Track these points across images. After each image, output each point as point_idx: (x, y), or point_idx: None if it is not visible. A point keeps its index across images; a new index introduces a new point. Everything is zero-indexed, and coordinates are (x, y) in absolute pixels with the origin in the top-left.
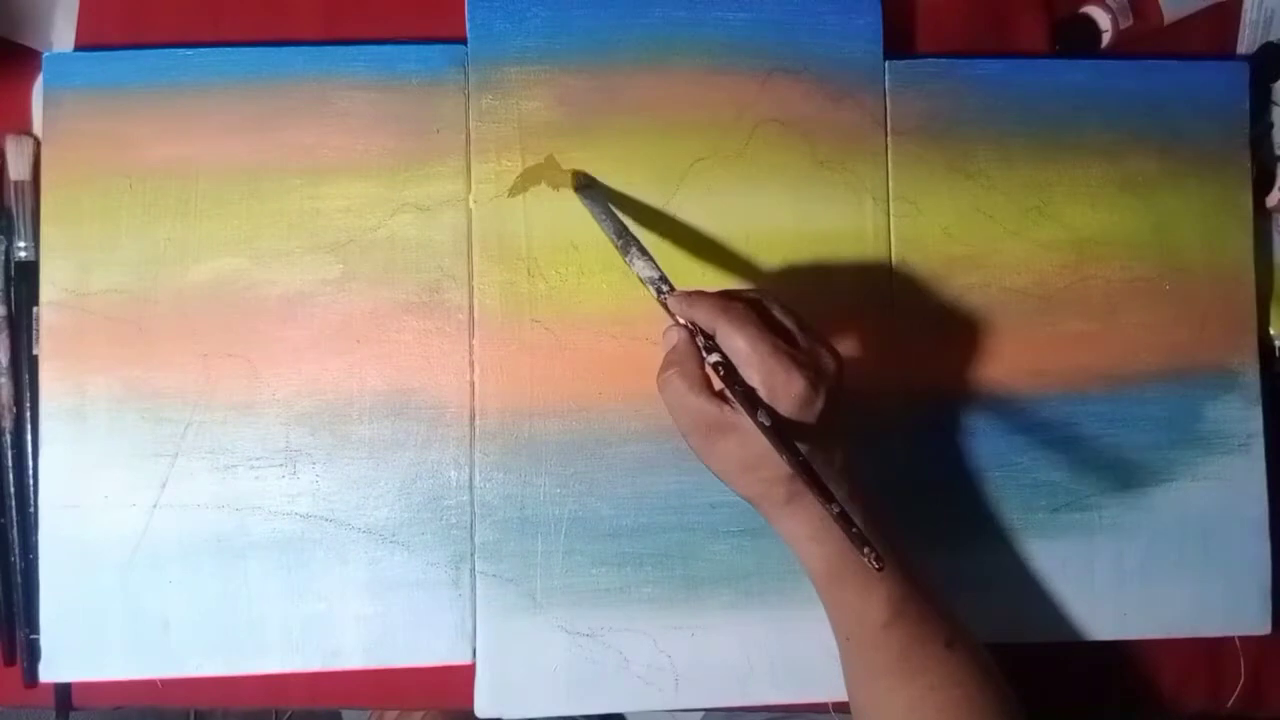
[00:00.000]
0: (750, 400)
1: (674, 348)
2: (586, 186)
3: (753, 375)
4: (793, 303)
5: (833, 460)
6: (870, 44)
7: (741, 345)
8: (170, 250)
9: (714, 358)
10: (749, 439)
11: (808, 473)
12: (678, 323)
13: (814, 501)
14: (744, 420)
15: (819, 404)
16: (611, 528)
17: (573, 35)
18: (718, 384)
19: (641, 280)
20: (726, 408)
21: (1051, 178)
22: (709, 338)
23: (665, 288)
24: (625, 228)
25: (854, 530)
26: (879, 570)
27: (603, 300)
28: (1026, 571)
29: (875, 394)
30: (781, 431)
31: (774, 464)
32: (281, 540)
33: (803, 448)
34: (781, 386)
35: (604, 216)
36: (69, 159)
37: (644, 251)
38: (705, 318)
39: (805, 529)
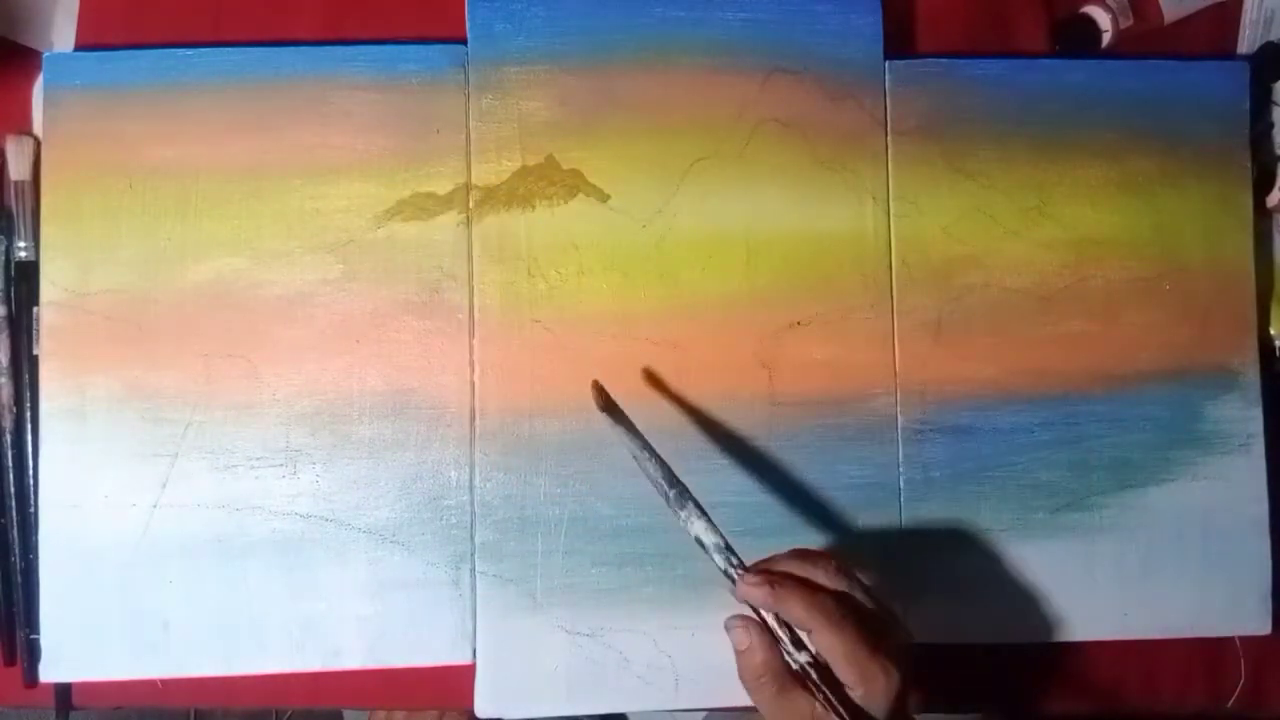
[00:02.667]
0: (852, 711)
1: (748, 648)
2: (610, 409)
3: (847, 673)
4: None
5: None
6: (870, 44)
7: (839, 650)
8: (170, 250)
9: (804, 657)
10: None
11: None
12: (755, 617)
13: None
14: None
15: (908, 691)
16: (612, 528)
17: (573, 35)
18: (793, 664)
19: (701, 545)
20: (819, 702)
21: (1051, 178)
22: (788, 628)
23: (735, 560)
24: (675, 475)
25: None
26: None
27: (603, 300)
28: (1026, 572)
29: (875, 394)
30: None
31: None
32: (281, 540)
33: None
34: (881, 689)
35: (644, 456)
36: (69, 159)
37: (703, 512)
38: (799, 615)
39: None
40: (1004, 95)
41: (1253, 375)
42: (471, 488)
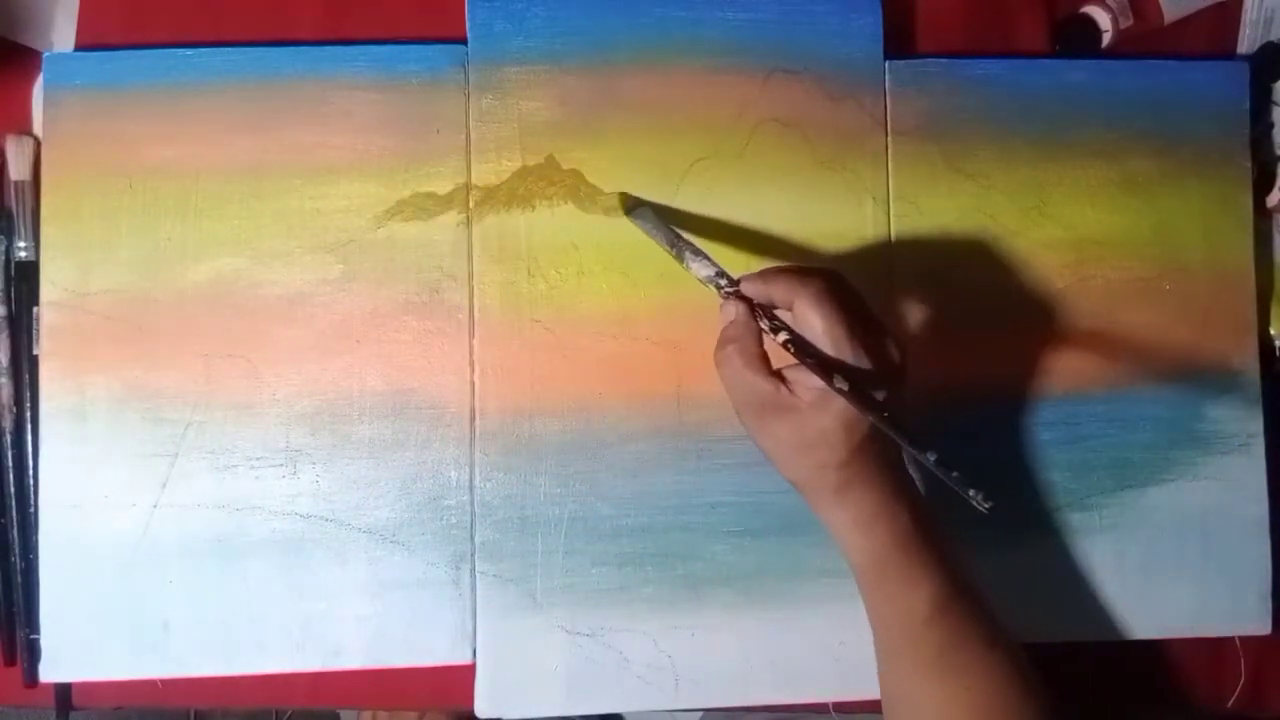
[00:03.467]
0: (826, 367)
1: (732, 322)
2: (635, 206)
3: (824, 348)
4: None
5: (889, 449)
6: (870, 44)
7: (817, 324)
8: (170, 250)
9: (782, 336)
10: (806, 421)
11: (895, 425)
12: (738, 295)
13: (864, 491)
14: (803, 402)
15: (882, 394)
16: (612, 528)
17: (573, 35)
18: (775, 364)
19: (701, 281)
20: (784, 388)
21: (1051, 178)
22: (772, 317)
23: (725, 281)
24: (677, 235)
25: (954, 475)
26: (988, 510)
27: (603, 300)
28: (1026, 572)
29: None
30: (863, 391)
31: (829, 448)
32: (281, 540)
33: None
34: (852, 368)
35: (655, 230)
36: (69, 159)
37: (698, 252)
38: (783, 294)
39: (853, 519)
40: (1004, 95)
41: (1253, 375)
42: (471, 488)
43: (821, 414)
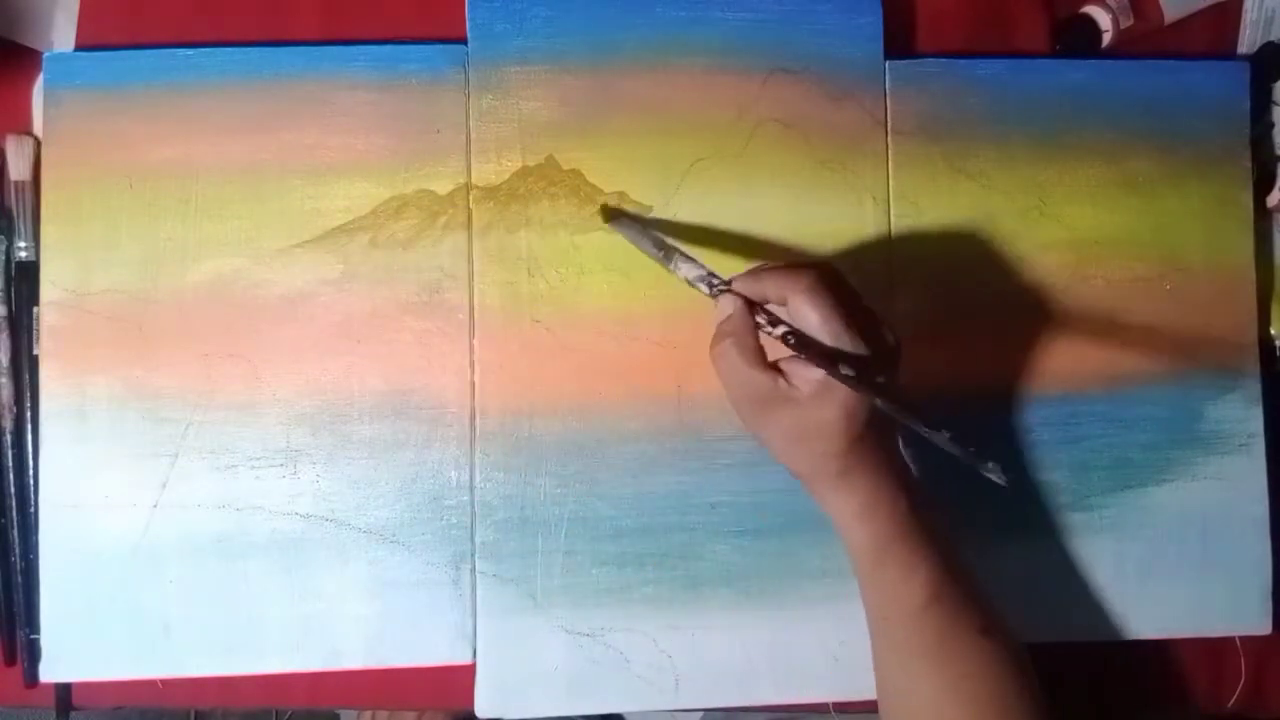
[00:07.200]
0: (829, 357)
1: (728, 318)
2: (616, 217)
3: (822, 339)
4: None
5: (886, 437)
6: (870, 44)
7: (813, 317)
8: (170, 250)
9: (782, 329)
10: (806, 412)
11: (907, 408)
12: (733, 292)
13: (864, 479)
14: (802, 393)
15: (882, 379)
16: (612, 528)
17: (573, 35)
18: (772, 356)
19: (690, 282)
20: (781, 380)
21: (1051, 178)
22: (768, 312)
23: (717, 281)
24: (662, 239)
25: (970, 449)
26: (1006, 482)
27: (603, 300)
28: (1026, 572)
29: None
30: (869, 377)
31: (829, 438)
32: (282, 540)
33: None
34: (854, 356)
35: (640, 237)
36: (69, 159)
37: (686, 256)
38: (776, 291)
39: (853, 506)
40: (1004, 95)
41: (1253, 375)
42: (472, 488)
43: (822, 404)
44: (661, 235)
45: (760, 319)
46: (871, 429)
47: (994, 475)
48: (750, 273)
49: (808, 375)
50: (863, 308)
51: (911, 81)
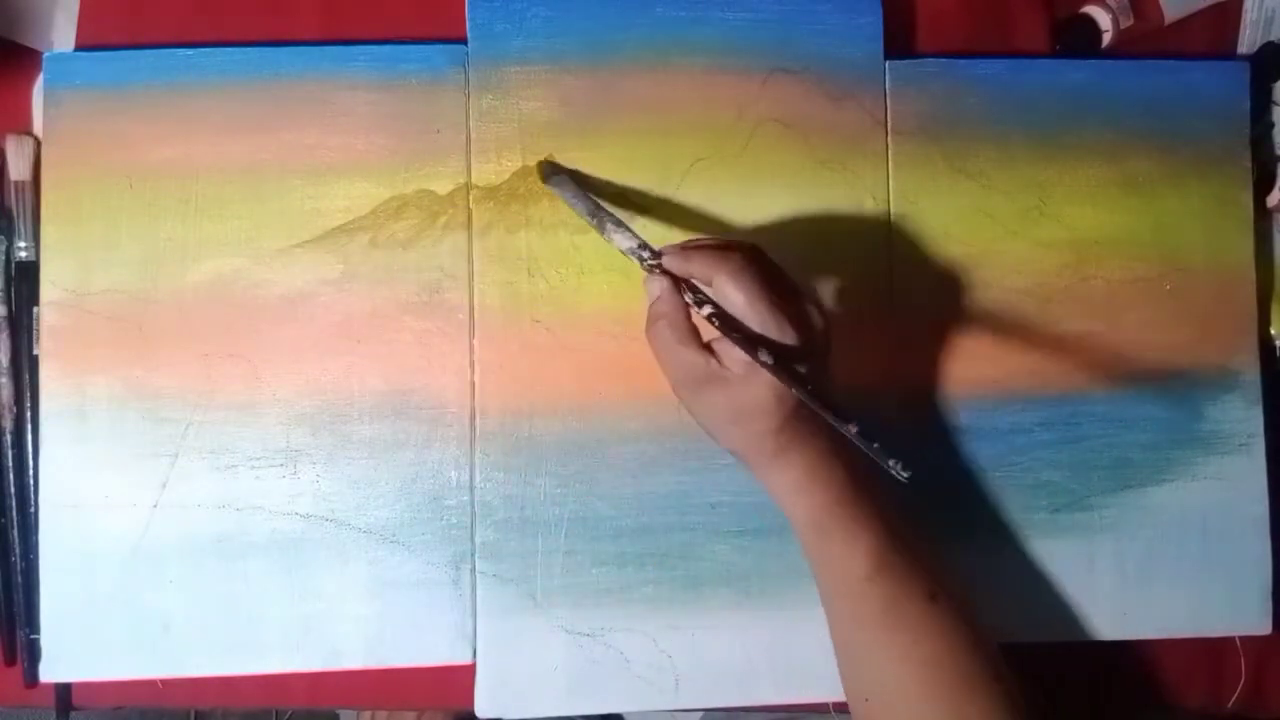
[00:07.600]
0: (750, 341)
1: (658, 299)
2: (553, 174)
3: (748, 321)
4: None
5: (816, 417)
6: (870, 44)
7: (739, 299)
8: (170, 250)
9: (706, 310)
10: (738, 391)
11: (818, 399)
12: (662, 271)
13: (801, 454)
14: (733, 373)
15: (806, 364)
16: (612, 528)
17: (573, 35)
18: (705, 336)
19: (623, 253)
20: (714, 360)
21: (1051, 178)
22: (696, 290)
23: (648, 254)
24: (597, 205)
25: (875, 446)
26: (906, 479)
27: (603, 300)
28: (1026, 571)
29: (875, 394)
30: (788, 365)
31: (763, 416)
32: (282, 540)
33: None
34: (778, 347)
35: (575, 199)
36: (69, 159)
37: (619, 224)
38: (702, 270)
39: (792, 481)
40: (1004, 95)
41: (1253, 375)
42: (471, 488)
43: (752, 385)
44: (597, 201)
45: (688, 297)
46: (804, 405)
47: (896, 472)
48: (680, 248)
49: (737, 355)
50: (791, 290)
51: (911, 81)
